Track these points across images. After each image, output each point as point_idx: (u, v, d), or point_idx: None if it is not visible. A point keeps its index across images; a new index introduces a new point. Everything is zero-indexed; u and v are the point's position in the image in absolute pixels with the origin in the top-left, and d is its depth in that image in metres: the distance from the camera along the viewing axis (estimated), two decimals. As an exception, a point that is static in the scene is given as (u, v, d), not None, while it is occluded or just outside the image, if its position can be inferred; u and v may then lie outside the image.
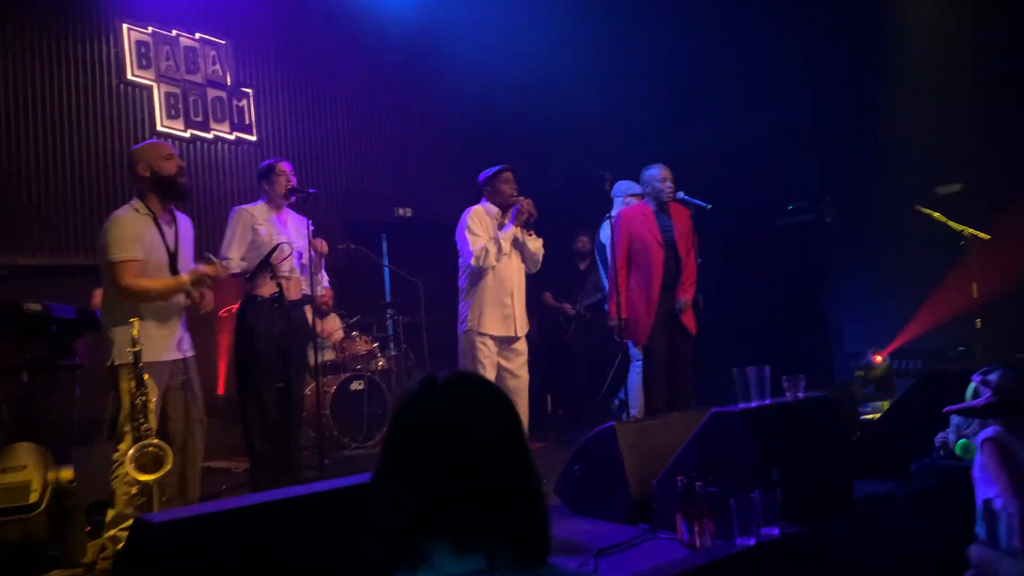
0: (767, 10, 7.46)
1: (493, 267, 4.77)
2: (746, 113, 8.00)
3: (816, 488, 3.23)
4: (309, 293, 4.56)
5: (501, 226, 4.86)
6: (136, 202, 3.77)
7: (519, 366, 4.90)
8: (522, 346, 4.95)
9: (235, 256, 4.38)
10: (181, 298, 3.83)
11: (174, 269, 3.79)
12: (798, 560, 2.93)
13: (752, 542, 2.85)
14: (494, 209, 4.92)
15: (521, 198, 4.86)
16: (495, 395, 1.27)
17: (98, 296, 5.12)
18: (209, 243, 7.11)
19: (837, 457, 3.43)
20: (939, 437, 3.52)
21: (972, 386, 3.01)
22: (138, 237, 3.66)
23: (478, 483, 1.17)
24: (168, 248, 3.77)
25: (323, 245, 4.63)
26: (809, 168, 7.81)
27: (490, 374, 4.77)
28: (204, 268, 3.74)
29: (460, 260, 4.94)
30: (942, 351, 6.65)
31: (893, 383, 6.89)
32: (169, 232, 3.81)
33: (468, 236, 4.78)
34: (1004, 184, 6.48)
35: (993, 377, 2.91)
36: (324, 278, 4.82)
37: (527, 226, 4.85)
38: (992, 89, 6.49)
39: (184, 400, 3.80)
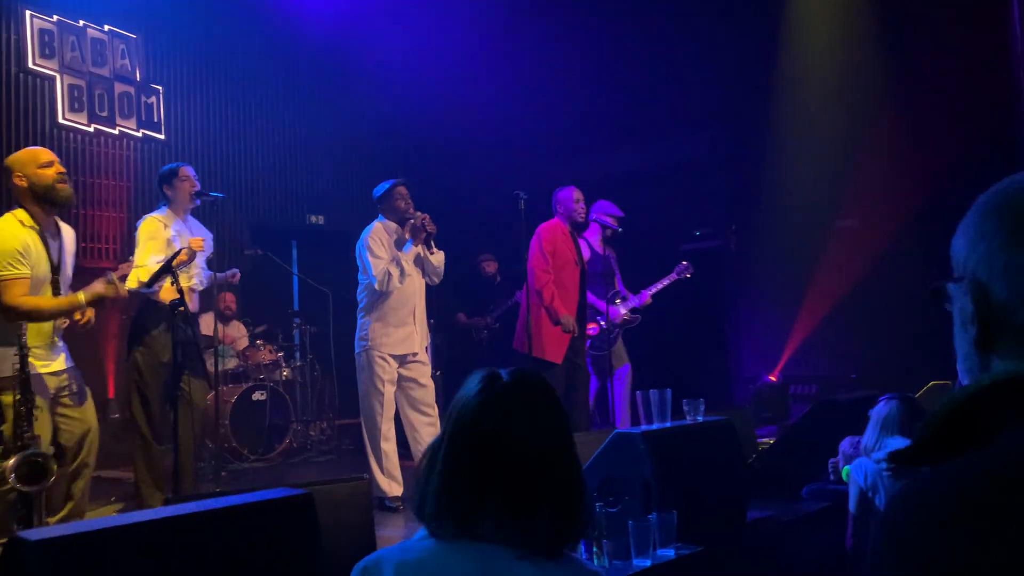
0: (678, 39, 7.68)
1: (396, 289, 4.74)
2: (657, 139, 8.21)
3: (712, 509, 3.31)
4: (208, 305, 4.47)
5: (401, 243, 4.82)
6: (18, 211, 3.52)
7: (423, 375, 4.87)
8: (424, 357, 4.93)
9: (150, 260, 4.19)
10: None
11: (56, 285, 3.59)
12: (692, 581, 2.99)
13: (648, 563, 2.90)
14: (392, 225, 4.88)
15: (417, 213, 4.82)
16: (553, 400, 1.42)
17: None
18: (112, 241, 6.88)
19: (733, 479, 3.52)
20: (831, 462, 3.67)
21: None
22: (25, 251, 3.42)
23: (533, 478, 1.32)
24: (52, 262, 3.56)
25: (235, 277, 4.61)
26: (716, 196, 8.05)
27: (389, 392, 4.73)
28: (102, 288, 3.55)
29: (360, 276, 4.87)
30: (836, 378, 6.93)
31: (787, 408, 7.14)
32: (54, 245, 3.59)
33: (370, 258, 4.71)
34: (897, 219, 6.82)
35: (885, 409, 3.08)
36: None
37: (426, 242, 4.84)
38: (890, 126, 6.83)
39: (73, 410, 3.63)
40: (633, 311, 6.10)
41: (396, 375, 4.79)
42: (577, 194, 5.48)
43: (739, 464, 3.65)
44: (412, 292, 4.84)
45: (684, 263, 6.17)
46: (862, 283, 6.82)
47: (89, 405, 3.72)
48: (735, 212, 8.01)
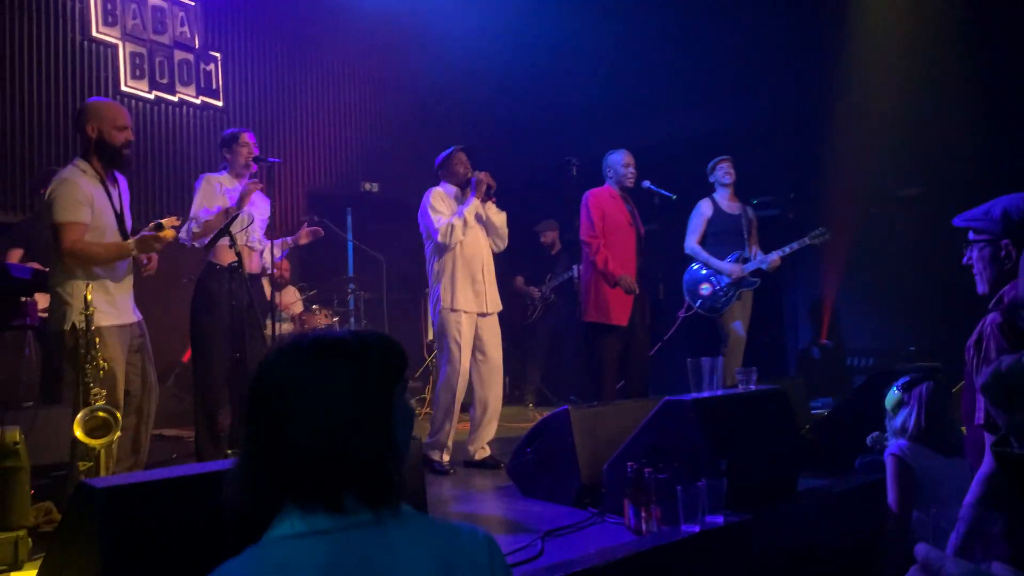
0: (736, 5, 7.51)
1: (460, 242, 4.74)
2: (713, 106, 8.06)
3: (762, 478, 3.30)
4: (268, 268, 4.54)
5: (462, 204, 4.84)
6: (80, 162, 3.63)
7: (493, 346, 4.86)
8: (494, 324, 4.91)
9: (202, 216, 4.32)
10: (131, 262, 3.76)
11: (123, 231, 3.71)
12: (740, 547, 2.99)
13: (696, 529, 2.90)
14: (453, 189, 4.90)
15: (477, 172, 4.84)
16: (345, 353, 1.26)
17: (14, 256, 5.03)
18: (170, 207, 7.04)
19: (784, 449, 3.49)
20: (871, 437, 3.59)
21: (896, 395, 3.04)
22: (86, 200, 3.55)
23: (319, 443, 1.19)
24: (115, 210, 3.69)
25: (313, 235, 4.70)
26: (775, 163, 7.89)
27: (466, 352, 4.74)
28: (150, 233, 3.65)
29: (427, 244, 4.88)
30: (894, 350, 6.79)
31: (844, 379, 7.03)
32: (115, 193, 3.72)
33: (432, 215, 4.74)
34: (963, 188, 6.60)
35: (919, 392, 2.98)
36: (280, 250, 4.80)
37: (487, 197, 4.84)
38: (957, 91, 6.60)
39: (140, 363, 3.75)
40: (754, 274, 5.92)
41: (472, 336, 4.79)
42: (627, 158, 5.43)
43: (791, 434, 3.62)
44: (478, 249, 4.83)
45: (821, 228, 5.93)
46: (924, 253, 6.63)
47: (150, 360, 3.83)
48: (794, 180, 7.83)
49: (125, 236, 3.71)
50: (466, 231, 4.72)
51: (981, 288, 2.42)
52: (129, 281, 3.78)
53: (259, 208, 4.59)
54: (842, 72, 7.21)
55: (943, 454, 2.89)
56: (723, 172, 5.96)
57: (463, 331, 4.70)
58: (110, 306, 3.59)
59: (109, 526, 1.77)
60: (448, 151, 4.97)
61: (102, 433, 3.24)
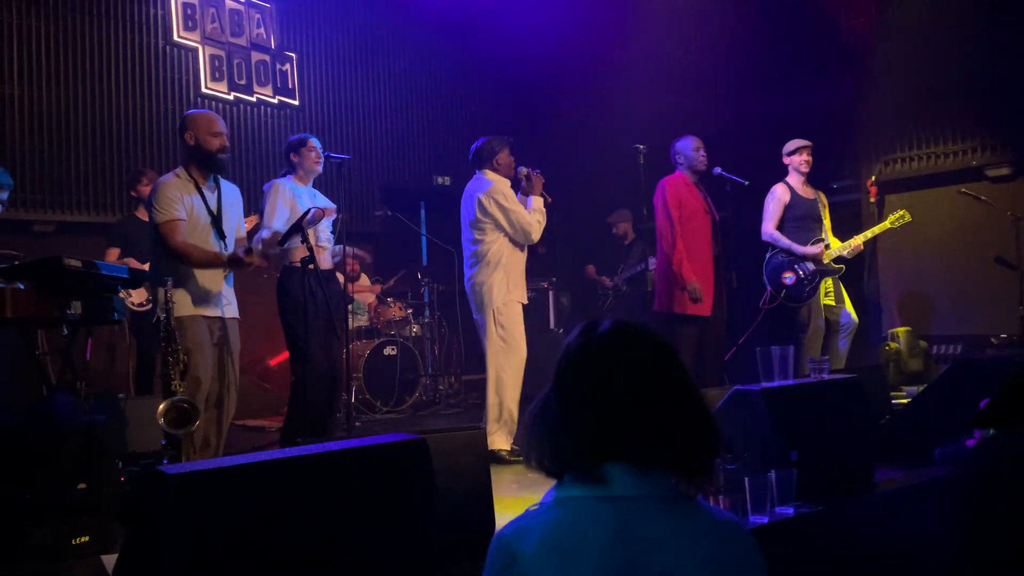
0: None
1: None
2: (792, 87, 7.84)
3: (834, 469, 3.22)
4: (339, 259, 4.70)
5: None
6: (180, 170, 3.98)
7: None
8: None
9: (282, 226, 4.43)
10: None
11: (219, 229, 3.94)
12: (811, 539, 2.92)
13: (765, 520, 2.85)
14: (507, 181, 4.95)
15: (526, 170, 4.94)
16: (655, 338, 1.37)
17: (111, 255, 5.28)
18: (250, 205, 7.24)
19: (859, 439, 3.40)
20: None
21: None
22: (177, 199, 3.83)
23: (649, 413, 1.28)
24: (212, 213, 3.89)
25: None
26: (855, 147, 7.65)
27: (524, 345, 4.85)
28: (241, 255, 3.86)
29: (479, 234, 4.89)
30: (981, 338, 6.51)
31: (930, 366, 6.79)
32: (211, 197, 3.96)
33: (517, 211, 4.81)
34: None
35: None
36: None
37: (543, 194, 4.94)
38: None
39: (220, 358, 3.90)
40: (837, 260, 5.78)
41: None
42: (696, 142, 5.35)
43: (866, 424, 3.52)
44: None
45: (901, 211, 5.82)
46: (1013, 238, 6.34)
47: (236, 357, 3.99)
48: (875, 164, 7.58)
49: (221, 235, 3.96)
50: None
51: None
52: (221, 277, 3.98)
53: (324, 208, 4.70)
54: (924, 39, 6.92)
55: None
56: (802, 160, 5.80)
57: (520, 323, 4.81)
58: (196, 297, 3.79)
59: (181, 513, 1.84)
60: (497, 140, 4.99)
61: (183, 423, 3.38)
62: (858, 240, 5.74)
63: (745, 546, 1.32)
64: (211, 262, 3.91)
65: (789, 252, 5.71)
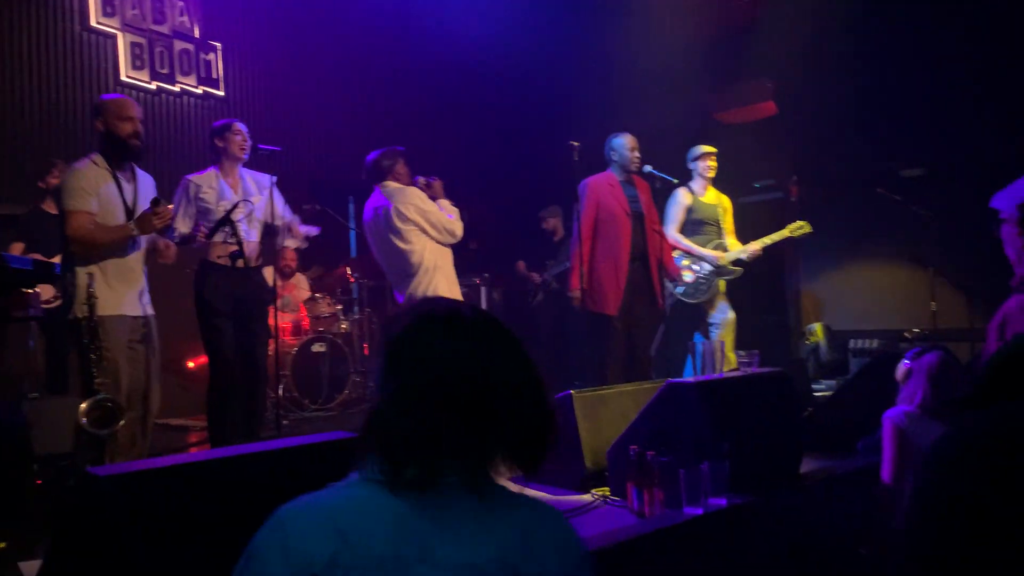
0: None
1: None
2: (716, 89, 8.02)
3: (764, 461, 3.30)
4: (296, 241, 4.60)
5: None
6: (96, 156, 3.76)
7: None
8: None
9: (180, 227, 4.30)
10: (141, 253, 3.81)
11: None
12: (744, 529, 3.00)
13: (700, 511, 2.91)
14: (417, 190, 4.99)
15: (424, 179, 5.06)
16: (510, 336, 1.34)
17: (15, 250, 5.04)
18: (173, 197, 7.03)
19: (786, 431, 3.50)
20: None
21: (905, 366, 3.05)
22: (93, 191, 3.63)
23: (485, 409, 1.25)
24: (126, 204, 3.73)
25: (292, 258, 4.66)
26: (777, 147, 7.87)
27: None
28: (148, 214, 3.68)
29: (403, 244, 4.88)
30: (897, 332, 6.78)
31: (847, 362, 7.03)
32: (128, 188, 3.78)
33: (433, 210, 4.85)
34: (963, 170, 6.58)
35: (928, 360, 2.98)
36: (302, 230, 4.77)
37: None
38: (959, 76, 6.57)
39: (143, 356, 3.78)
40: (735, 263, 5.95)
41: None
42: (632, 141, 5.39)
43: (794, 416, 3.62)
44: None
45: (801, 221, 6.02)
46: (928, 234, 6.62)
47: (157, 354, 3.86)
48: (797, 163, 7.81)
49: None
50: None
51: (1019, 270, 2.41)
52: (139, 273, 3.82)
53: (257, 193, 4.58)
54: (843, 49, 7.16)
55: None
56: (705, 165, 5.95)
57: None
58: (114, 296, 3.63)
59: (114, 514, 1.78)
60: (392, 152, 5.04)
61: (106, 423, 3.26)
62: (756, 246, 5.95)
63: (555, 530, 1.31)
64: (118, 234, 3.69)
65: (688, 253, 5.88)
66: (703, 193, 6.00)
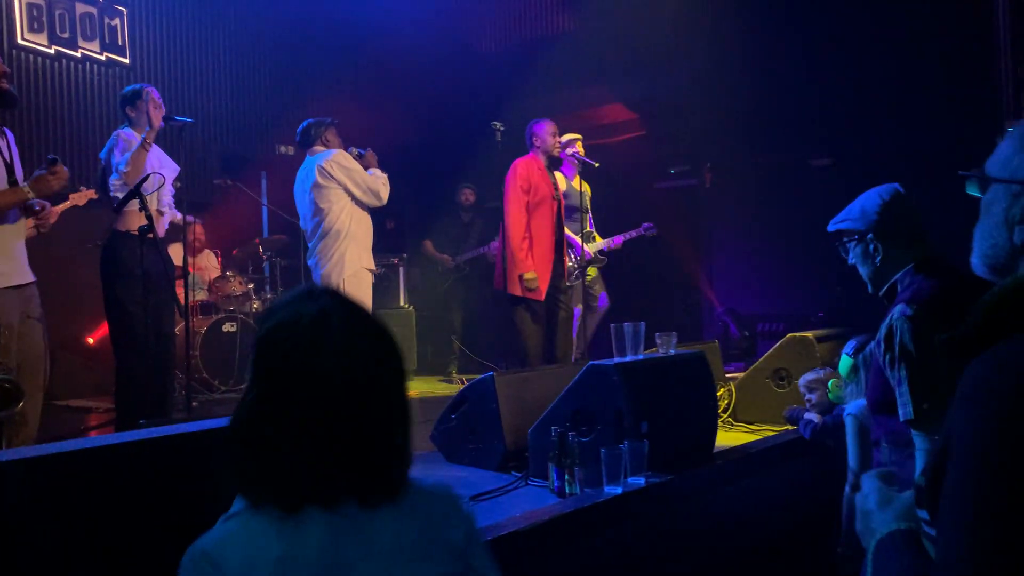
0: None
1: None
2: (632, 76, 8.10)
3: (682, 440, 3.37)
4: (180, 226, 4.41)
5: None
6: None
7: None
8: None
9: (125, 164, 4.06)
10: (22, 219, 3.55)
11: (12, 181, 3.49)
12: (662, 508, 3.05)
13: (619, 491, 2.95)
14: (346, 153, 4.99)
15: (356, 150, 5.06)
16: (389, 343, 1.25)
17: None
18: (72, 166, 6.69)
19: (704, 411, 3.58)
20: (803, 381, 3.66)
21: (848, 360, 3.09)
22: None
23: (354, 434, 1.17)
24: (5, 161, 3.47)
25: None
26: (691, 133, 8.00)
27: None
28: (43, 170, 3.44)
29: (323, 203, 4.83)
30: (804, 316, 7.02)
31: (755, 344, 7.25)
32: (2, 144, 3.49)
33: (371, 176, 4.80)
34: (872, 159, 6.83)
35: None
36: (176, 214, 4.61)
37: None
38: (868, 66, 6.81)
39: (32, 331, 3.55)
40: (601, 253, 6.05)
41: None
42: (553, 128, 5.40)
43: (710, 396, 3.71)
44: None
45: (649, 224, 6.16)
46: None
47: (44, 327, 3.63)
48: (710, 150, 7.97)
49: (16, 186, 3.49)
50: None
51: (871, 288, 2.48)
52: (21, 237, 3.56)
53: (169, 169, 4.41)
54: (755, 40, 7.32)
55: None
56: (575, 151, 5.90)
57: (370, 290, 4.79)
58: (3, 266, 3.38)
59: (15, 501, 1.69)
60: (324, 121, 5.06)
61: (5, 404, 3.08)
62: (619, 242, 6.11)
63: (446, 510, 1.30)
64: (13, 199, 3.40)
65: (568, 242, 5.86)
66: (572, 179, 6.01)
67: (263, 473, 1.16)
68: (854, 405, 2.98)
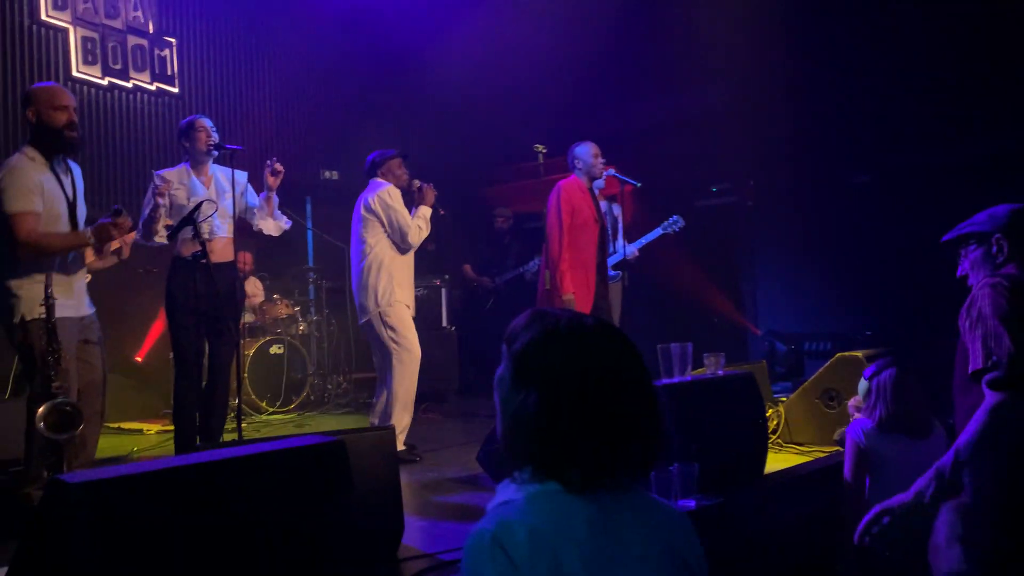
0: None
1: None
2: (673, 92, 8.11)
3: (732, 462, 3.34)
4: (233, 260, 4.49)
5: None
6: (29, 149, 3.52)
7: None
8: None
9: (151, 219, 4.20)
10: (88, 252, 3.69)
11: (74, 220, 3.61)
12: (713, 531, 3.02)
13: (669, 513, 2.93)
14: (396, 190, 4.96)
15: (415, 182, 5.01)
16: (629, 341, 1.39)
17: None
18: (125, 196, 6.88)
19: (753, 432, 3.55)
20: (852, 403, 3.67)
21: (864, 384, 3.15)
22: (36, 188, 3.43)
23: (623, 420, 1.30)
24: (67, 198, 3.59)
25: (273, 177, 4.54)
26: (734, 150, 7.97)
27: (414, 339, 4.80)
28: (108, 220, 3.56)
29: (365, 236, 4.87)
30: (851, 335, 6.92)
31: (802, 364, 7.15)
32: (66, 181, 3.61)
33: (403, 216, 4.81)
34: (914, 175, 6.75)
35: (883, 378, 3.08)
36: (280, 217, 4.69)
37: (433, 207, 4.98)
38: (912, 82, 6.73)
39: (91, 357, 3.66)
40: (617, 266, 5.96)
41: None
42: (595, 149, 5.42)
43: (759, 417, 3.67)
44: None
45: (675, 216, 6.11)
46: (878, 239, 6.77)
47: (102, 353, 3.74)
48: (753, 167, 7.93)
49: (76, 225, 3.62)
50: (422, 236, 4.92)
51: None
52: (82, 271, 3.70)
53: (225, 189, 4.50)
54: (796, 55, 7.29)
55: (911, 437, 2.98)
56: (611, 169, 5.89)
57: (409, 321, 4.80)
58: (63, 298, 3.49)
59: (84, 523, 1.73)
60: (388, 153, 5.08)
61: (64, 428, 3.16)
62: (635, 251, 6.08)
63: (688, 531, 1.40)
64: (75, 243, 3.53)
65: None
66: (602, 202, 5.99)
67: (550, 459, 1.30)
68: (854, 424, 3.06)
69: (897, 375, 3.06)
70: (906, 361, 3.12)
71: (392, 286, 4.81)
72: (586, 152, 5.39)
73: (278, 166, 4.57)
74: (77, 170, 3.75)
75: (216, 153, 4.39)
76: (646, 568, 1.28)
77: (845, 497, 3.05)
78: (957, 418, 2.40)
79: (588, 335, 1.35)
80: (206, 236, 4.24)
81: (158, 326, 6.69)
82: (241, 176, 4.54)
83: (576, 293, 5.22)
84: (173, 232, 4.04)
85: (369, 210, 4.85)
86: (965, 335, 2.30)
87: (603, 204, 5.96)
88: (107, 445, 4.96)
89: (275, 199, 4.60)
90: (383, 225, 4.83)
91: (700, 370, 3.72)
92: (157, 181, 4.21)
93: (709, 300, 8.00)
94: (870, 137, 7.05)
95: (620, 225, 6.17)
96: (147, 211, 4.16)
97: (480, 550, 1.23)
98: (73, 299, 3.56)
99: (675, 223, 6.12)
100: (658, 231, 6.12)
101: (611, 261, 5.94)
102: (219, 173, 4.47)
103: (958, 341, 2.36)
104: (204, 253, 3.90)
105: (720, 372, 3.56)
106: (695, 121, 7.98)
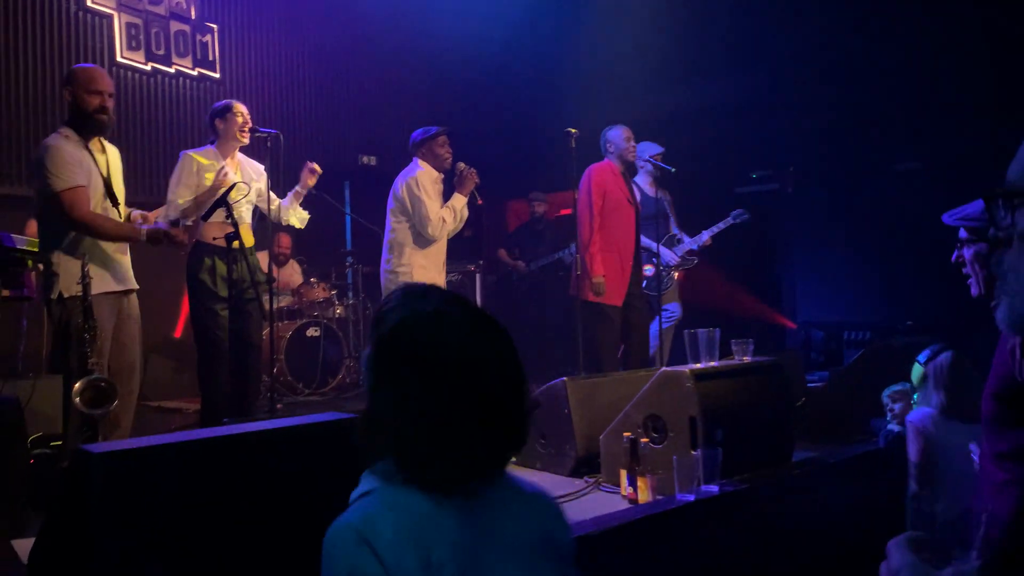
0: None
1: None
2: (714, 78, 8.00)
3: (757, 448, 3.32)
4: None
5: (440, 190, 4.90)
6: (64, 129, 3.62)
7: None
8: None
9: (181, 198, 4.26)
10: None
11: (111, 195, 3.70)
12: (735, 516, 3.01)
13: (692, 498, 2.92)
14: (434, 172, 4.91)
15: (461, 164, 4.89)
16: (499, 325, 1.34)
17: (32, 227, 5.00)
18: (166, 180, 7.00)
19: (779, 420, 3.51)
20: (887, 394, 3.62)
21: (919, 369, 3.06)
22: (77, 164, 3.53)
23: (490, 408, 1.26)
24: (103, 176, 3.67)
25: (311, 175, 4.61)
26: (774, 137, 7.85)
27: None
28: (165, 227, 3.67)
29: (393, 218, 4.88)
30: (891, 324, 6.80)
31: (840, 353, 7.05)
32: (101, 159, 3.70)
33: (425, 201, 4.76)
34: (960, 164, 6.59)
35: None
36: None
37: (471, 194, 4.90)
38: (957, 67, 6.56)
39: (128, 334, 3.74)
40: (690, 253, 6.02)
41: None
42: (627, 133, 5.39)
43: (786, 405, 3.64)
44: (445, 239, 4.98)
45: (739, 209, 6.10)
46: (921, 228, 6.61)
47: (139, 330, 3.82)
48: (793, 154, 7.80)
49: (115, 202, 3.71)
50: (453, 225, 4.89)
51: (976, 290, 2.39)
52: (126, 248, 3.78)
53: (253, 179, 4.57)
54: (838, 40, 7.14)
55: (967, 422, 2.89)
56: (648, 156, 5.85)
57: None
58: (102, 274, 3.57)
59: (106, 492, 1.78)
60: (432, 131, 4.97)
61: (100, 403, 3.25)
62: (707, 239, 6.08)
63: (557, 514, 1.38)
64: (126, 235, 3.65)
65: (647, 248, 5.79)
66: (647, 188, 5.93)
67: (418, 452, 1.24)
68: (917, 412, 2.96)
69: (954, 358, 2.99)
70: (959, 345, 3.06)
71: (413, 271, 4.80)
72: (618, 136, 5.38)
73: (316, 167, 4.63)
74: (114, 151, 3.84)
75: (246, 140, 4.45)
76: (518, 557, 1.25)
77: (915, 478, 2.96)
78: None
79: (454, 318, 1.29)
80: (239, 219, 4.31)
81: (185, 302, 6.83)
82: (260, 167, 4.61)
83: (608, 276, 5.21)
84: (208, 213, 4.10)
85: (397, 197, 4.86)
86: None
87: (650, 191, 5.93)
88: (146, 425, 5.07)
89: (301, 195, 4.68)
90: (408, 213, 4.83)
91: (728, 357, 3.69)
92: (218, 176, 4.25)
93: (746, 292, 7.92)
94: (920, 123, 6.89)
95: (671, 212, 6.12)
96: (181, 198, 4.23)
97: (344, 545, 1.17)
98: (108, 272, 3.64)
99: (741, 215, 6.13)
100: (729, 220, 6.11)
101: (682, 248, 5.93)
102: (245, 160, 4.55)
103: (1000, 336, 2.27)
104: (237, 234, 3.96)
105: (747, 358, 3.52)
106: (736, 107, 7.87)
